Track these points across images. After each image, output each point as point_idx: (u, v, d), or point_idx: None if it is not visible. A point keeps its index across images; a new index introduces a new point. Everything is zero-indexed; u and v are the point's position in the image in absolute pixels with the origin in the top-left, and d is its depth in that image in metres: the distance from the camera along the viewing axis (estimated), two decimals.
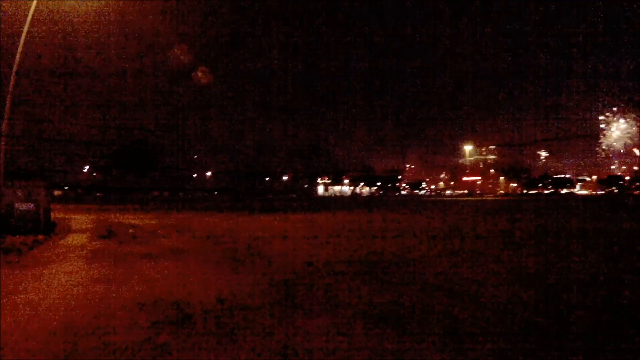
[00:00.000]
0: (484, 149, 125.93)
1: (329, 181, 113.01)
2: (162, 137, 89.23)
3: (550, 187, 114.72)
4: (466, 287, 4.55)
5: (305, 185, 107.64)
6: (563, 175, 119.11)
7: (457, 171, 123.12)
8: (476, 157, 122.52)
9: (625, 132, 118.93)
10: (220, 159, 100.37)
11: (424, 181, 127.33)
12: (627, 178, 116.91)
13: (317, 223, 14.41)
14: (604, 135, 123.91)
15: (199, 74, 72.27)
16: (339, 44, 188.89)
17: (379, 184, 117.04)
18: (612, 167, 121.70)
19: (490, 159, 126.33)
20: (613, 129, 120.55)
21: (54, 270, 5.65)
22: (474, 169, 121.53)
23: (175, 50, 70.34)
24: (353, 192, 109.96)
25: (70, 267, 5.90)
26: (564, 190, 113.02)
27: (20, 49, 10.48)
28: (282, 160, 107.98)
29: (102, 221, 14.72)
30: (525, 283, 4.64)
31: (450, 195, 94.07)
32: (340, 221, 15.13)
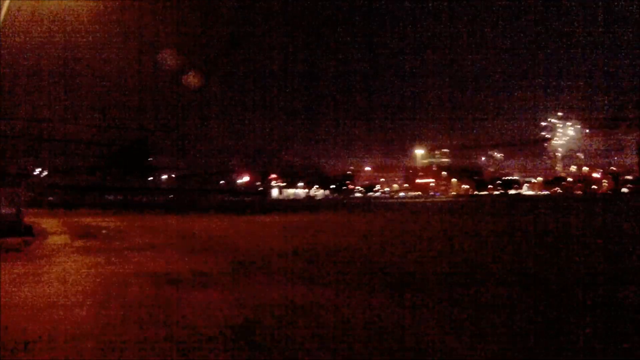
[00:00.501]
0: (437, 152, 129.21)
1: (284, 184, 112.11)
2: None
3: (499, 188, 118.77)
4: None
5: (260, 188, 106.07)
6: (511, 177, 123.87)
7: (410, 174, 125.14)
8: (430, 159, 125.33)
9: (569, 137, 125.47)
10: (176, 162, 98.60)
11: (377, 184, 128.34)
12: (570, 179, 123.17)
13: (272, 222, 15.77)
14: (550, 139, 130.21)
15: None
16: (287, 46, 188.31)
17: (332, 186, 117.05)
18: (557, 169, 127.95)
19: (443, 161, 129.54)
20: (558, 134, 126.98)
21: (59, 260, 6.76)
22: (427, 172, 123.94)
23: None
24: (307, 195, 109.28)
25: (72, 258, 7.03)
26: (512, 191, 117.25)
27: None
28: (240, 163, 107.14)
29: (72, 224, 15.49)
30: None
31: (403, 197, 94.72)
32: (292, 220, 16.62)
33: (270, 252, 7.40)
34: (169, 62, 67.60)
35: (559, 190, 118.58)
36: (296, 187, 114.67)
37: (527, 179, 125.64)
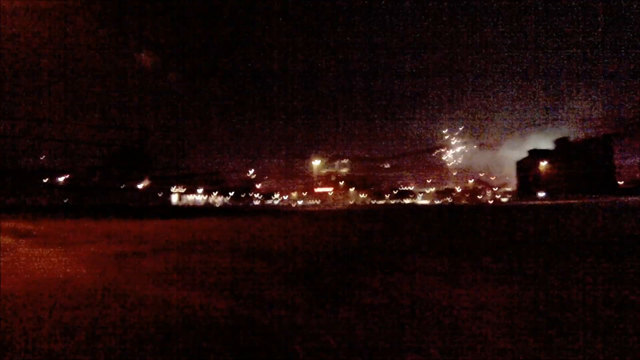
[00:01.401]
0: (336, 162, 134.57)
1: (183, 190, 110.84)
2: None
3: (395, 197, 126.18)
4: None
5: (160, 194, 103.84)
6: (406, 188, 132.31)
7: (309, 182, 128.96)
8: (329, 169, 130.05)
9: (460, 150, 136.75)
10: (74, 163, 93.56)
11: (276, 191, 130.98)
12: (459, 189, 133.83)
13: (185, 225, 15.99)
14: (443, 152, 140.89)
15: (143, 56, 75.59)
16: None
17: (232, 193, 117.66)
18: (450, 180, 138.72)
19: (342, 171, 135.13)
20: (451, 147, 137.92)
21: (25, 251, 7.51)
22: (326, 181, 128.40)
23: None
24: (207, 202, 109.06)
25: (36, 249, 7.85)
26: (407, 200, 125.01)
27: None
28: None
29: None
30: None
31: (303, 205, 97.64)
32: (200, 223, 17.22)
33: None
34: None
35: (449, 200, 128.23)
36: (196, 194, 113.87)
37: (421, 190, 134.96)
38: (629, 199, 56.89)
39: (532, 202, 60.24)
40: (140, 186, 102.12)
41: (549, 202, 57.49)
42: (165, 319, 3.09)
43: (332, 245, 8.14)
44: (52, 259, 6.45)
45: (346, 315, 3.17)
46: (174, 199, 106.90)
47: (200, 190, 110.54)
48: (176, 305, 3.47)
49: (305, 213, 32.35)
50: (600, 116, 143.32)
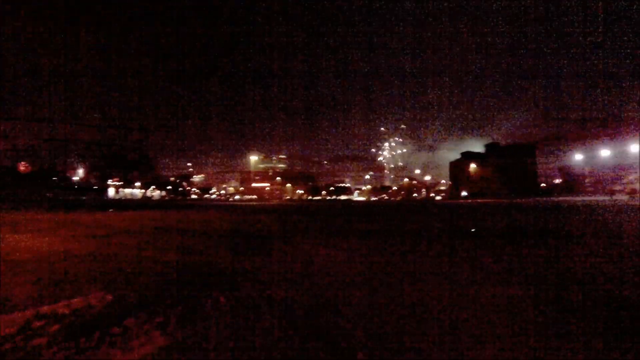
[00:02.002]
0: (274, 157, 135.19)
1: (120, 183, 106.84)
2: None
3: (332, 194, 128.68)
4: None
5: (95, 187, 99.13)
6: (343, 184, 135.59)
7: (246, 177, 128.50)
8: (266, 164, 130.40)
9: (396, 150, 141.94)
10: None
11: (214, 186, 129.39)
12: (395, 188, 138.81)
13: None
14: (379, 152, 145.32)
15: None
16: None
17: (169, 187, 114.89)
18: (386, 178, 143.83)
19: (279, 167, 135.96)
20: (386, 147, 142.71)
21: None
22: (263, 176, 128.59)
23: None
24: (144, 195, 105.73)
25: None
26: (343, 197, 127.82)
27: None
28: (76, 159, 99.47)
29: None
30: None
31: (240, 200, 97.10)
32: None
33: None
34: None
35: (385, 197, 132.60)
36: (133, 187, 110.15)
37: (357, 187, 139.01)
38: (544, 199, 62.91)
39: (455, 201, 64.47)
40: (76, 178, 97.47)
41: (469, 201, 61.98)
42: (150, 267, 5.34)
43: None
44: (41, 239, 8.08)
45: (261, 260, 5.76)
46: (110, 192, 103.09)
47: (137, 184, 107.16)
48: (152, 258, 5.98)
49: (227, 207, 35.35)
50: (529, 125, 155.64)
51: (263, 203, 57.03)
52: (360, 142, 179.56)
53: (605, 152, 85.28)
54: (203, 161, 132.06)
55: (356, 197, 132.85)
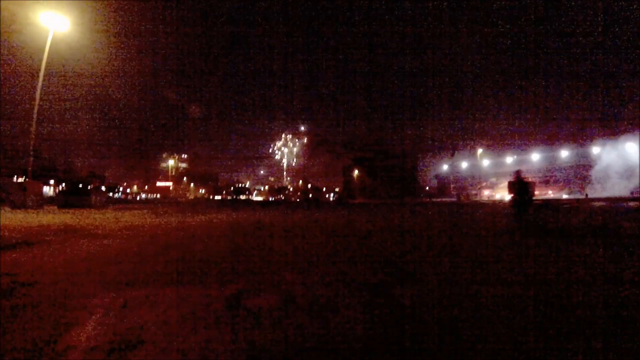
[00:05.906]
0: (177, 157, 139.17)
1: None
2: None
3: (233, 194, 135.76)
4: None
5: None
6: (242, 185, 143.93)
7: (151, 176, 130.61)
8: (169, 163, 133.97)
9: (290, 151, 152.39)
10: None
11: (119, 185, 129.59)
12: (291, 188, 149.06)
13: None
14: (280, 152, 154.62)
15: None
16: None
17: (80, 185, 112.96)
18: (284, 179, 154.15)
19: (182, 166, 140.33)
20: (283, 149, 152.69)
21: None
22: (167, 175, 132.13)
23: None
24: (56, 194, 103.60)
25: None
26: (243, 197, 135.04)
27: None
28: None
29: None
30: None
31: (145, 199, 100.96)
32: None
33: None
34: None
35: (282, 197, 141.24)
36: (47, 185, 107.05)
37: (257, 187, 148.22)
38: (418, 200, 78.08)
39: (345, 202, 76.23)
40: None
41: (349, 202, 75.64)
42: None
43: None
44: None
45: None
46: None
47: (51, 182, 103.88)
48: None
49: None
50: (413, 136, 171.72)
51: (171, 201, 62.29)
52: (261, 143, 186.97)
53: (464, 164, 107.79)
54: (111, 159, 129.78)
55: (255, 197, 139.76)
